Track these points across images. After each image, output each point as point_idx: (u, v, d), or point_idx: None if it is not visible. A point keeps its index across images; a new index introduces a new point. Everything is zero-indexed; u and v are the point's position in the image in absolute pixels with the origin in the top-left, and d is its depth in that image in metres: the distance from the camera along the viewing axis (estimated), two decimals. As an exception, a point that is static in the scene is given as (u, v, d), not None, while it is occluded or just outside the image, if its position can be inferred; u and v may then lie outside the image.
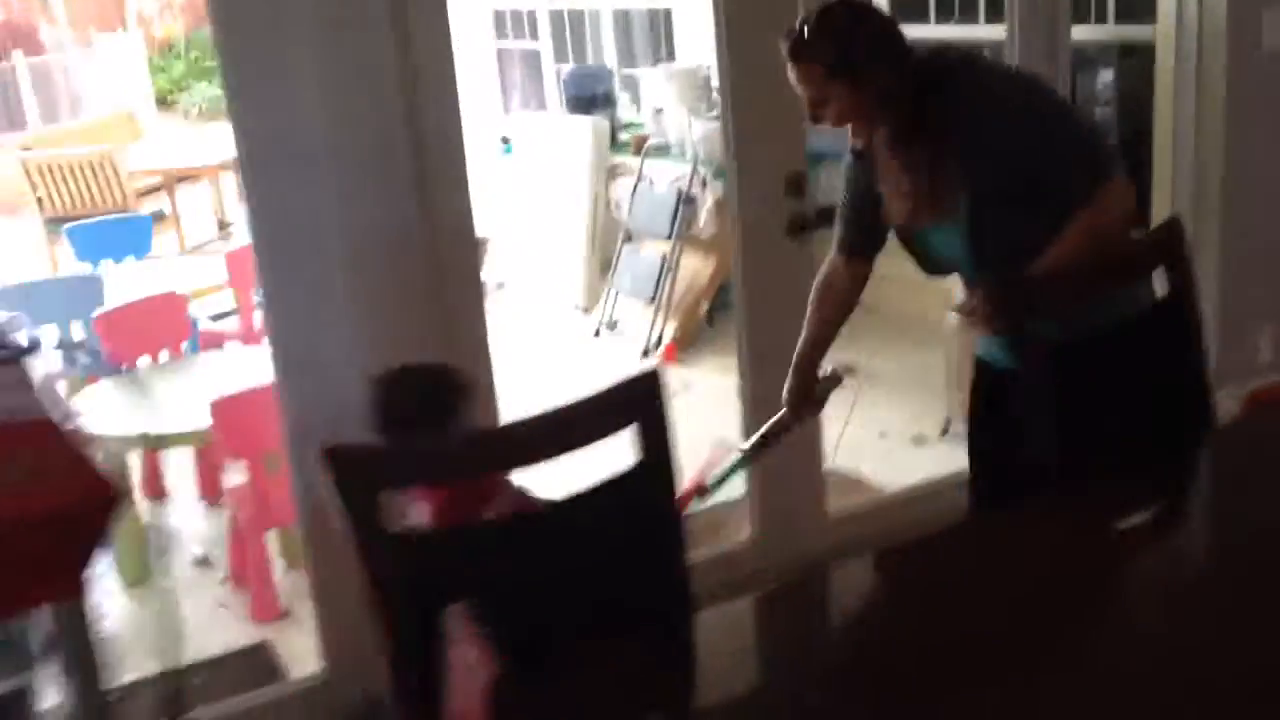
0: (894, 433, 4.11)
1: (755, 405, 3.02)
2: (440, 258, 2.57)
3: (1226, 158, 3.40)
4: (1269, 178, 3.48)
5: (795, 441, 3.06)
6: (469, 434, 1.94)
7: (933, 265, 2.28)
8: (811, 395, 2.49)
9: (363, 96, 2.41)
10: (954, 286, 2.46)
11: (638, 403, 1.60)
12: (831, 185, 5.58)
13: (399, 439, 1.93)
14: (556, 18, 7.49)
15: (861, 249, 2.38)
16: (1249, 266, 3.52)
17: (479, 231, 2.71)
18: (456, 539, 1.66)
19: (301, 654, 2.96)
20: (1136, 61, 4.16)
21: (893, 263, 5.24)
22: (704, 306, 5.21)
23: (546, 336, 5.44)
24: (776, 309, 3.01)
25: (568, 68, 7.05)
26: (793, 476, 3.12)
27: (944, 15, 5.04)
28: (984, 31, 4.66)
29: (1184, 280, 2.09)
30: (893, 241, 2.35)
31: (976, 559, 1.78)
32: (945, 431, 4.01)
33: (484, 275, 5.45)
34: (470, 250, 2.71)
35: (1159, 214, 3.66)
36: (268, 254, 2.46)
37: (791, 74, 2.10)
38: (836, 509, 3.29)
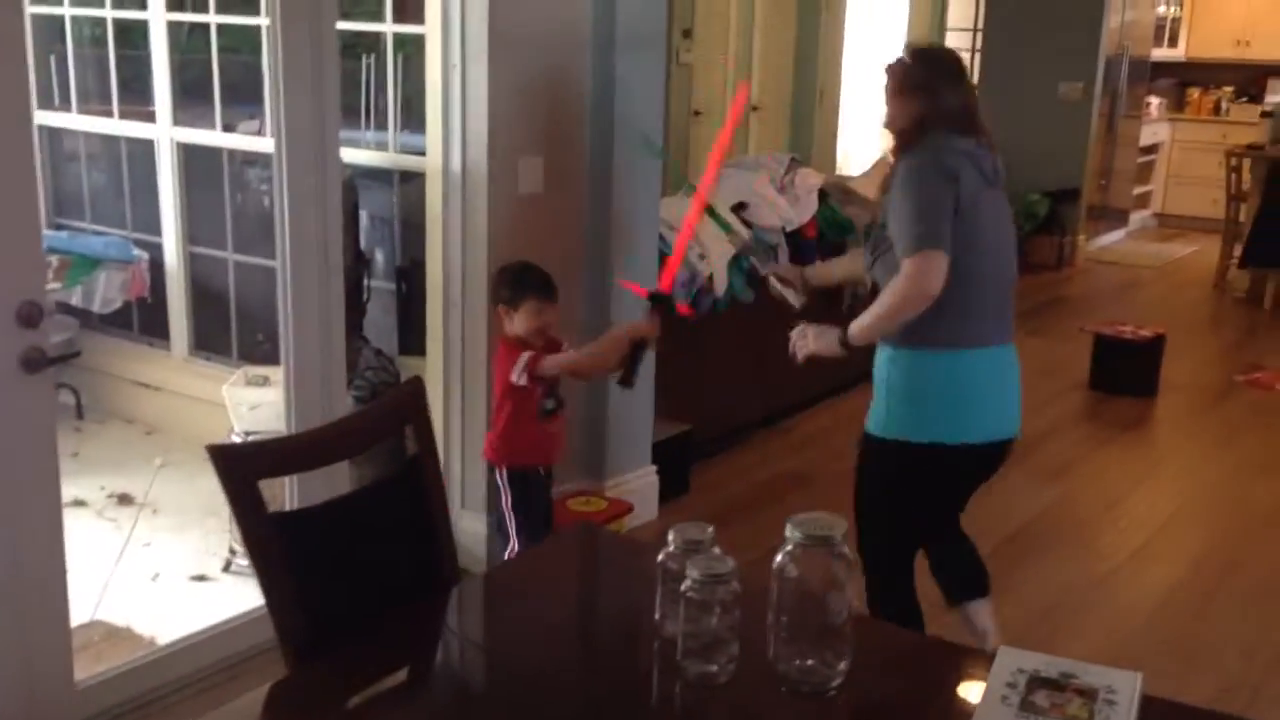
0: (171, 572, 3.78)
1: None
2: None
3: (489, 291, 3.58)
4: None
5: (38, 599, 2.68)
6: None
7: None
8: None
9: None
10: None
11: None
12: (112, 289, 5.15)
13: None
14: None
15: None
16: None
17: None
18: None
19: None
20: (417, 186, 4.29)
21: (176, 378, 4.88)
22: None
23: None
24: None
25: None
26: (31, 640, 2.69)
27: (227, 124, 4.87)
28: (264, 143, 4.57)
29: (425, 438, 2.10)
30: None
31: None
32: (228, 567, 3.76)
33: None
34: None
35: (431, 347, 3.77)
36: None
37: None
38: (90, 674, 2.90)
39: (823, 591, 1.74)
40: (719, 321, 4.57)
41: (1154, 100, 10.51)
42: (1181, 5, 10.65)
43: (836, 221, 5.21)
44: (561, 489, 3.93)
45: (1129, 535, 4.31)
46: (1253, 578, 3.92)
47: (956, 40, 11.35)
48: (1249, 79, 10.67)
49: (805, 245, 5.02)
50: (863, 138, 11.81)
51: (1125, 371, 5.91)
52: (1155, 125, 10.55)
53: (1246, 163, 8.16)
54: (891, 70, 2.75)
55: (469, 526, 3.74)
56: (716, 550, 1.81)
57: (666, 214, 4.49)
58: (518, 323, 3.05)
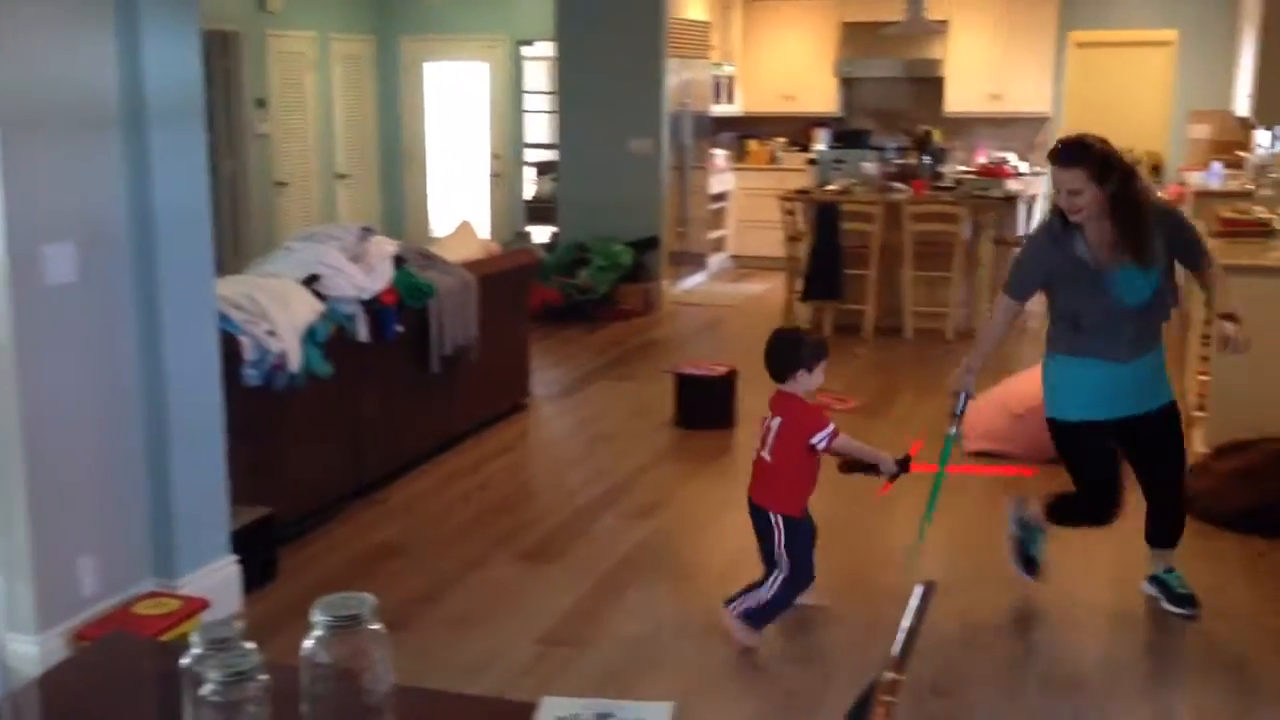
0: None
1: None
2: None
3: (21, 390, 3.29)
4: (64, 401, 3.45)
5: None
6: None
7: (1108, 295, 3.71)
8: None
9: None
10: None
11: None
12: None
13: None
14: None
15: (1027, 297, 3.93)
16: (59, 498, 3.43)
17: None
18: None
19: None
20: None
21: None
22: None
23: None
24: None
25: None
26: None
27: None
28: None
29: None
30: None
31: None
32: None
33: None
34: None
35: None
36: None
37: (1061, 174, 3.65)
38: None
39: (357, 671, 1.70)
40: (296, 398, 4.43)
41: (719, 152, 11.34)
42: (734, 64, 11.59)
43: (415, 286, 5.22)
44: (127, 592, 3.65)
45: (716, 558, 4.57)
46: (827, 589, 4.25)
47: (534, 103, 11.78)
48: (798, 129, 11.74)
49: (384, 312, 4.99)
50: (453, 200, 11.97)
51: (704, 407, 6.28)
52: (722, 174, 11.38)
53: (799, 206, 8.96)
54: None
55: (19, 649, 3.39)
56: (247, 645, 1.73)
57: (229, 291, 4.32)
58: (813, 380, 3.78)
